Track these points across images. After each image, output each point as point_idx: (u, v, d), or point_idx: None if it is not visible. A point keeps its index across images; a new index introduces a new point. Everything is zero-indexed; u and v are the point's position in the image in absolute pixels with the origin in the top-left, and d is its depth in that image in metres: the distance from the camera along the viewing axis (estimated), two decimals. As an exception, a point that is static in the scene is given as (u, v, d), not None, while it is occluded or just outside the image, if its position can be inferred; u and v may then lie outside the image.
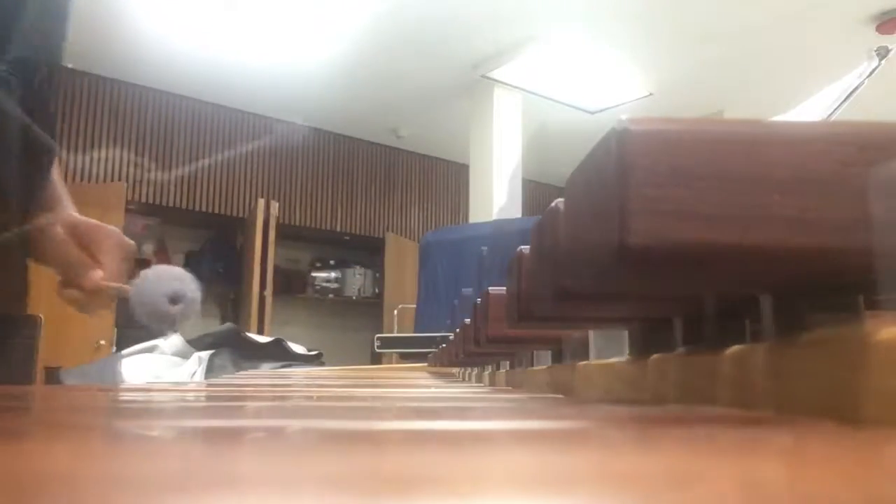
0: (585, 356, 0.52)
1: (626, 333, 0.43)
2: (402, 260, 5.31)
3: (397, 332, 4.43)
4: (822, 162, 0.18)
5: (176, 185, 4.82)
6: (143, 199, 4.63)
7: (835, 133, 0.18)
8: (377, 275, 5.57)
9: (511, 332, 0.49)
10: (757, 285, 0.22)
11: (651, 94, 4.56)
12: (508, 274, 0.40)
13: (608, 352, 0.48)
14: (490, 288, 0.54)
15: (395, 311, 4.75)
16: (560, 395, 0.52)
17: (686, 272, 0.19)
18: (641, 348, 0.39)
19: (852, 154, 0.18)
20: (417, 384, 0.90)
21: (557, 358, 0.63)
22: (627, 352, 0.42)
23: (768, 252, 0.18)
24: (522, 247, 0.36)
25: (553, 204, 0.28)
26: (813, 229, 0.18)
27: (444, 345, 1.27)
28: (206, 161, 4.97)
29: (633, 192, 0.18)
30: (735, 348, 0.26)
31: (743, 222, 0.18)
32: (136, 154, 4.69)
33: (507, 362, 0.83)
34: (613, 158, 0.18)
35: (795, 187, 0.18)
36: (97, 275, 0.75)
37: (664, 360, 0.33)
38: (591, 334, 0.50)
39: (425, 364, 2.07)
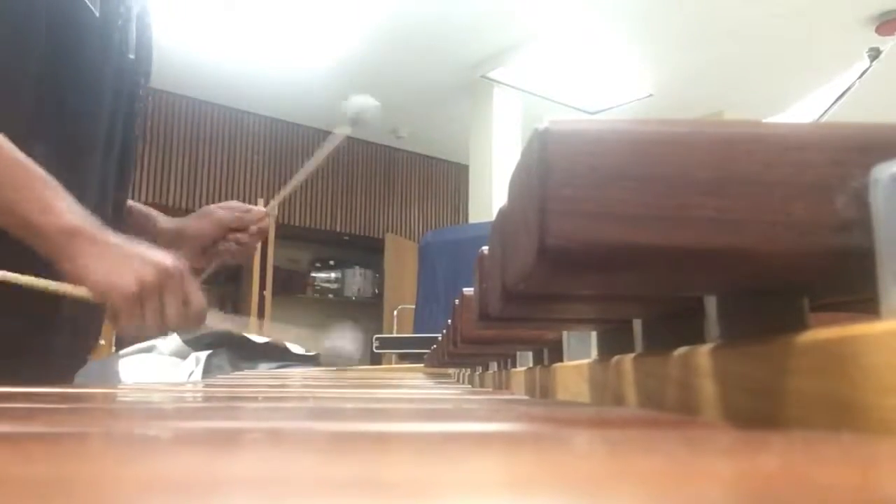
0: (561, 357, 0.52)
1: (594, 335, 0.43)
2: (401, 260, 5.30)
3: (396, 333, 4.44)
4: (744, 163, 0.18)
5: (176, 185, 4.83)
6: (143, 199, 4.64)
7: (758, 134, 0.18)
8: (377, 275, 5.57)
9: (482, 332, 0.49)
10: (684, 286, 0.22)
11: (651, 95, 4.55)
12: (473, 275, 0.40)
13: (580, 353, 0.48)
14: (464, 289, 0.54)
15: (395, 312, 4.75)
16: (527, 397, 0.52)
17: (607, 273, 0.19)
18: (606, 350, 0.39)
19: (776, 155, 0.18)
20: (401, 385, 0.90)
21: (539, 359, 0.62)
22: (595, 353, 0.42)
23: (689, 253, 0.18)
24: (484, 247, 0.36)
25: (503, 205, 0.27)
26: (735, 231, 0.18)
27: (434, 346, 1.27)
28: (206, 161, 4.97)
29: (552, 192, 0.17)
30: (681, 350, 0.26)
31: (663, 223, 0.18)
32: (136, 154, 4.68)
33: (496, 363, 0.83)
34: (535, 159, 0.18)
35: (717, 188, 0.18)
36: (258, 210, 1.05)
37: (623, 361, 0.33)
38: (565, 336, 0.50)
39: (423, 365, 2.07)
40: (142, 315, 0.74)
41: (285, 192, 1.13)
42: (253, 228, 1.04)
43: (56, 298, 0.84)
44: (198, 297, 0.79)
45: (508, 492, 0.11)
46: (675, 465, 0.14)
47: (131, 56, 0.95)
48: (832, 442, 0.16)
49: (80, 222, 0.73)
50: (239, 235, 1.04)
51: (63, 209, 0.73)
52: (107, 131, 0.90)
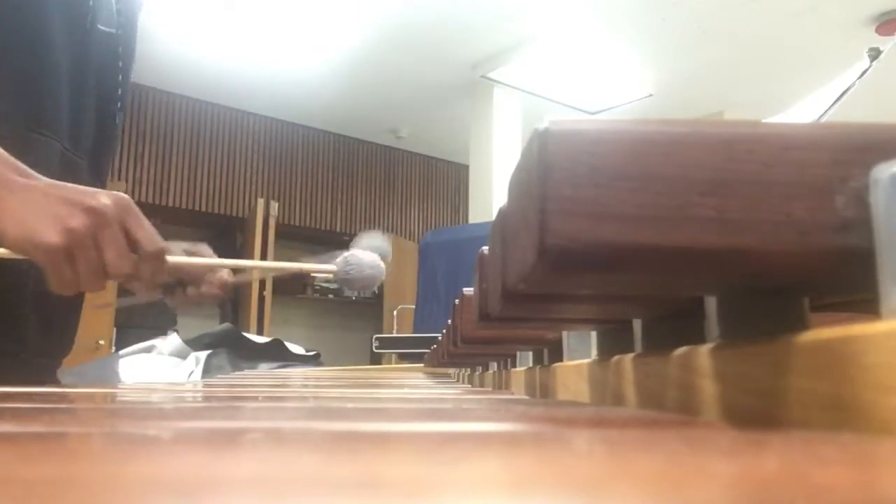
0: (561, 357, 0.52)
1: (594, 335, 0.43)
2: (401, 260, 5.30)
3: (396, 333, 4.44)
4: (744, 163, 0.18)
5: (176, 185, 4.83)
6: (143, 199, 4.64)
7: (758, 134, 0.18)
8: (377, 275, 5.57)
9: (482, 332, 0.49)
10: (684, 286, 0.22)
11: (651, 95, 4.55)
12: (473, 275, 0.40)
13: (580, 353, 0.48)
14: (464, 289, 0.54)
15: (395, 312, 4.75)
16: (527, 397, 0.52)
17: (607, 273, 0.19)
18: (606, 350, 0.39)
19: (776, 155, 0.18)
20: (401, 385, 0.90)
21: (539, 359, 0.62)
22: (595, 353, 0.42)
23: (689, 253, 0.18)
24: (484, 247, 0.36)
25: (503, 205, 0.27)
26: (734, 230, 0.18)
27: (434, 346, 1.27)
28: (206, 161, 4.97)
29: (552, 192, 0.17)
30: (681, 350, 0.26)
31: (663, 223, 0.18)
32: (136, 154, 4.69)
33: (496, 363, 0.83)
34: (535, 159, 0.18)
35: (717, 188, 0.18)
36: (223, 277, 0.88)
37: (623, 361, 0.33)
38: (565, 335, 0.50)
39: (423, 365, 2.07)
40: (75, 270, 0.63)
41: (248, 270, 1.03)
42: (204, 288, 0.87)
43: (17, 293, 0.77)
44: (147, 235, 0.67)
45: (507, 492, 0.11)
46: (674, 466, 0.14)
47: (109, 30, 0.86)
48: (832, 442, 0.16)
49: None
50: (189, 289, 0.87)
51: None
52: (71, 111, 0.81)
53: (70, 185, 0.65)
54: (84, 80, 0.83)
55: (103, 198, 0.64)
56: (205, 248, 0.88)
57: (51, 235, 0.61)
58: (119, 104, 0.91)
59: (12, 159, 0.63)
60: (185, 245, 0.86)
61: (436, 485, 0.12)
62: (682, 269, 0.18)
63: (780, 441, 0.17)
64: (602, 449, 0.17)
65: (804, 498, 0.10)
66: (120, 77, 0.89)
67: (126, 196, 0.67)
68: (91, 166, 0.86)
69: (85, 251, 0.63)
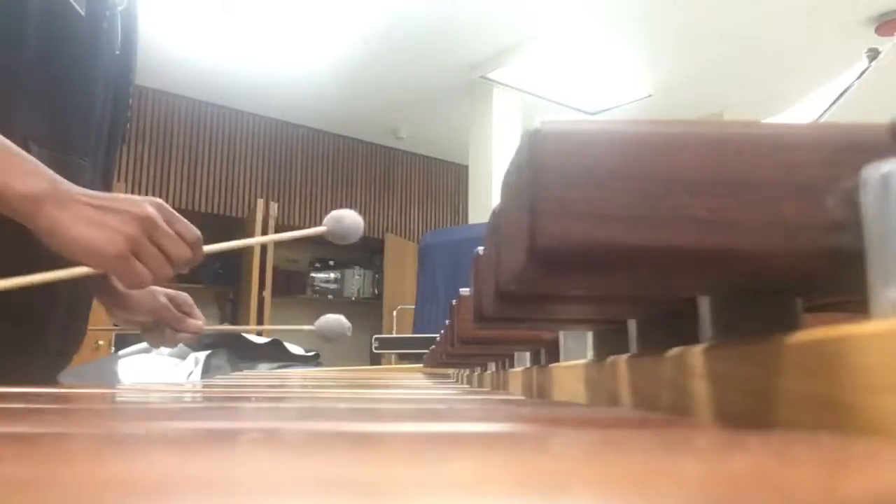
0: (558, 358, 0.52)
1: (590, 335, 0.43)
2: (401, 261, 5.31)
3: (396, 333, 4.44)
4: (736, 164, 0.18)
5: (176, 186, 4.83)
6: (143, 200, 4.63)
7: (749, 134, 0.18)
8: (376, 275, 5.57)
9: (479, 332, 0.49)
10: (676, 287, 0.22)
11: (651, 95, 4.55)
12: (471, 275, 0.40)
13: (576, 353, 0.48)
14: (461, 289, 0.54)
15: (395, 312, 4.76)
16: (524, 397, 0.52)
17: (599, 274, 0.19)
18: (602, 350, 0.39)
19: (767, 156, 0.18)
20: (399, 386, 0.90)
21: (536, 360, 0.63)
22: (591, 354, 0.42)
23: (681, 254, 0.18)
24: (480, 248, 0.36)
25: (496, 205, 0.27)
26: (726, 231, 0.18)
27: (433, 346, 1.27)
28: (206, 161, 4.97)
29: (544, 193, 0.18)
30: (674, 351, 0.26)
31: (655, 224, 0.18)
32: (136, 154, 4.69)
33: (494, 363, 0.83)
34: (527, 160, 0.18)
35: (707, 189, 0.18)
36: (198, 323, 1.08)
37: (618, 362, 0.33)
38: (561, 336, 0.50)
39: (422, 365, 2.08)
40: (145, 269, 0.71)
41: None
42: (180, 333, 1.08)
43: (50, 299, 0.84)
44: (185, 226, 0.76)
45: (503, 491, 0.11)
46: (668, 466, 0.14)
47: (117, 52, 0.92)
48: (823, 442, 0.16)
49: (45, 185, 0.68)
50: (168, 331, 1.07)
51: (26, 172, 0.68)
52: (96, 135, 0.89)
53: (109, 195, 0.74)
54: (105, 106, 0.91)
55: (145, 203, 0.73)
56: (186, 297, 1.07)
57: (114, 246, 0.69)
58: (128, 114, 1.00)
59: (53, 174, 0.70)
60: (170, 292, 1.05)
61: (434, 485, 0.12)
62: (674, 269, 0.18)
63: (763, 441, 0.17)
64: (594, 450, 0.17)
65: (795, 497, 0.10)
66: (130, 91, 0.98)
67: (158, 199, 0.76)
68: (102, 176, 0.93)
69: (148, 251, 0.71)
